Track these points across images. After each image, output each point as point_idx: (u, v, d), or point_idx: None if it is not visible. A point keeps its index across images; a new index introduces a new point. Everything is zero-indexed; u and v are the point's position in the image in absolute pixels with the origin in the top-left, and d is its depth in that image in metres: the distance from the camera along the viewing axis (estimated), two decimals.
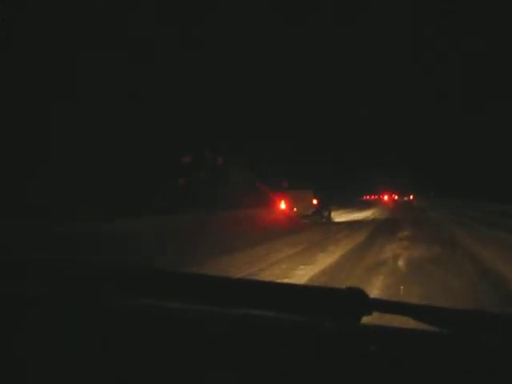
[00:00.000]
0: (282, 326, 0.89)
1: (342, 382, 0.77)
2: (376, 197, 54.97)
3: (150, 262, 6.07)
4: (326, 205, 18.05)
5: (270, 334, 0.87)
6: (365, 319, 0.84)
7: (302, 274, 5.83)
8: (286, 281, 5.34)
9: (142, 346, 0.86)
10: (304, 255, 7.57)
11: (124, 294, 0.99)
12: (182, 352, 0.84)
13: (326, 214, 17.66)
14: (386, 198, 52.44)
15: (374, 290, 4.69)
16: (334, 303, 0.87)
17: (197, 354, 0.83)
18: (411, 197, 45.49)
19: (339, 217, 19.72)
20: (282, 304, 0.90)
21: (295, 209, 16.39)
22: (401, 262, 6.68)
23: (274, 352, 0.82)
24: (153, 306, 0.95)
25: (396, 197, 48.05)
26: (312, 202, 16.84)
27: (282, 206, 16.36)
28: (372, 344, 0.81)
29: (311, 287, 1.74)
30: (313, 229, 13.47)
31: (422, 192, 56.80)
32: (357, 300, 0.85)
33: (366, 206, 36.72)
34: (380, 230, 12.78)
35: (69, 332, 0.90)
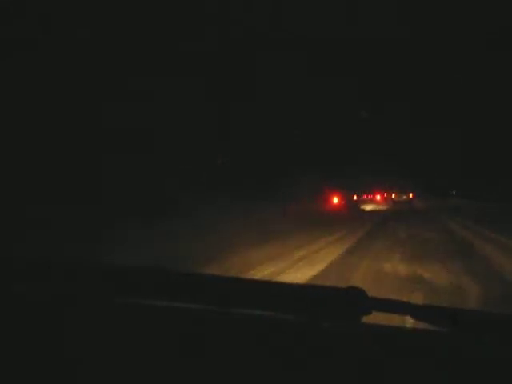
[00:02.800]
0: (282, 325, 0.90)
1: (342, 381, 0.76)
2: (371, 196, 52.26)
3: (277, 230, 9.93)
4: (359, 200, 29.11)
5: (269, 334, 0.87)
6: (364, 318, 0.87)
7: (368, 225, 16.03)
8: (368, 223, 14.78)
9: (141, 346, 0.86)
10: (366, 219, 18.61)
11: (123, 294, 0.98)
12: (182, 351, 0.84)
13: (359, 205, 28.69)
14: (378, 197, 48.88)
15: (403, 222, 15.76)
16: (334, 302, 0.88)
17: (197, 353, 0.83)
18: (410, 195, 44.71)
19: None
20: (282, 304, 0.91)
21: (343, 202, 27.16)
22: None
23: (273, 352, 0.82)
24: (153, 306, 0.95)
25: (393, 195, 46.66)
26: (353, 198, 27.59)
27: (335, 200, 27.37)
28: (371, 343, 0.82)
29: (311, 286, 1.71)
30: (354, 214, 21.32)
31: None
32: (356, 299, 0.86)
33: (371, 202, 46.09)
34: (391, 211, 24.39)
35: (69, 332, 0.89)
